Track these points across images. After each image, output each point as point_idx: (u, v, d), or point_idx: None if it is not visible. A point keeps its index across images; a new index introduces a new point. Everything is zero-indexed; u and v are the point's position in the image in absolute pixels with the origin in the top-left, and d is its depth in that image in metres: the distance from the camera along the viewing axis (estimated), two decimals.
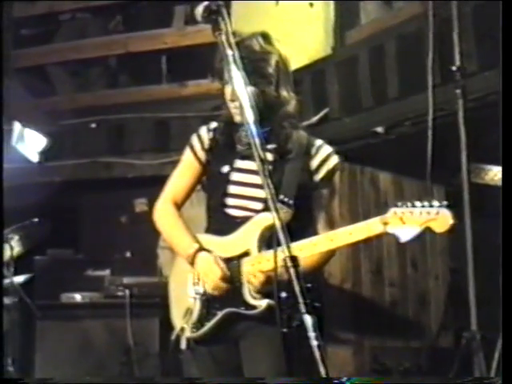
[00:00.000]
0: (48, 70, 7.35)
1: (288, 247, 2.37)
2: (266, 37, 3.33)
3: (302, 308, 2.24)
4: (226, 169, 3.27)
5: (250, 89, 2.55)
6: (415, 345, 5.82)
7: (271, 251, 2.99)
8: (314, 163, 3.25)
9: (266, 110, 3.14)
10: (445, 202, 2.79)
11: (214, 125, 3.36)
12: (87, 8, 7.38)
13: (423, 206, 2.80)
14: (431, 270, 6.11)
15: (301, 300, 2.25)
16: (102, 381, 5.29)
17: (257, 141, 2.45)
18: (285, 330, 2.48)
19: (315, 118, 5.58)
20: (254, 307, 3.12)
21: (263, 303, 3.10)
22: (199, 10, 2.59)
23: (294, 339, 2.47)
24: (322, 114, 5.57)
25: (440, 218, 2.77)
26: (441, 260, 6.14)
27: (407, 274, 5.98)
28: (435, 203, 2.79)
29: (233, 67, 2.50)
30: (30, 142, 6.61)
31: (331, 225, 3.28)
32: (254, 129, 2.48)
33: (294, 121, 3.29)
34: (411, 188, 5.97)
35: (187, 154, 3.39)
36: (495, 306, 3.37)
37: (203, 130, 3.37)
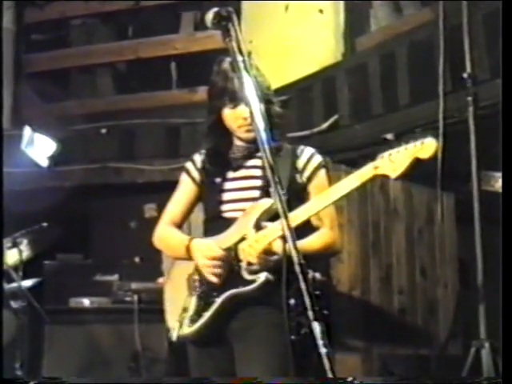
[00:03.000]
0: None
1: (296, 249, 2.37)
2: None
3: (311, 315, 2.25)
4: (218, 180, 3.40)
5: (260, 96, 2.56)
6: (424, 352, 5.80)
7: (267, 228, 3.17)
8: (301, 162, 3.40)
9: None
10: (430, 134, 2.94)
11: (204, 150, 3.51)
12: (98, 14, 7.41)
13: (407, 143, 2.95)
14: (440, 278, 6.09)
15: (309, 307, 2.25)
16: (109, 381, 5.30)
17: (267, 148, 2.46)
18: (293, 337, 2.49)
19: (325, 125, 5.59)
20: (252, 282, 3.19)
21: (261, 276, 3.18)
22: (209, 16, 2.59)
23: (302, 346, 2.48)
24: (331, 120, 5.58)
25: (425, 146, 2.91)
26: (450, 268, 6.11)
27: (416, 281, 5.95)
28: (420, 139, 2.92)
29: (244, 73, 2.51)
30: (39, 147, 6.62)
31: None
32: (264, 135, 2.49)
33: (283, 131, 3.44)
34: (421, 195, 5.95)
35: (183, 177, 3.54)
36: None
37: (195, 155, 3.53)
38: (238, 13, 6.11)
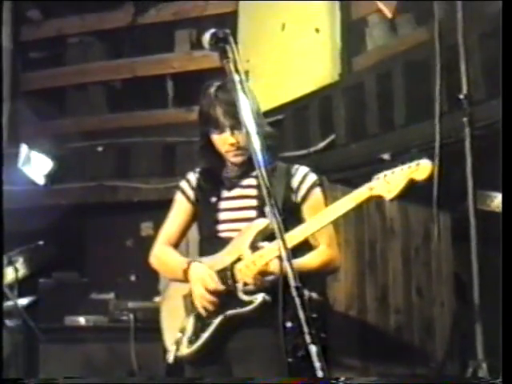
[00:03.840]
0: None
1: (292, 269, 2.37)
2: None
3: (308, 338, 2.24)
4: (214, 199, 3.40)
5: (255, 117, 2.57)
6: (421, 372, 5.78)
7: (263, 249, 3.17)
8: (295, 181, 3.40)
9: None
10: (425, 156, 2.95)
11: (198, 169, 3.53)
12: (94, 31, 7.41)
13: (403, 164, 2.96)
14: (437, 296, 6.08)
15: (306, 330, 2.25)
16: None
17: (263, 170, 2.46)
18: (290, 359, 2.49)
19: (322, 144, 5.59)
20: (249, 303, 3.19)
21: (259, 297, 3.17)
22: (206, 37, 2.61)
23: (298, 368, 2.47)
24: (328, 140, 5.58)
25: (420, 168, 2.92)
26: (446, 287, 6.11)
27: (413, 300, 5.95)
28: (416, 160, 2.94)
29: (241, 95, 2.51)
30: (36, 165, 6.62)
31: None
32: (260, 156, 2.49)
33: (276, 152, 3.43)
34: (417, 214, 5.95)
35: (178, 198, 3.55)
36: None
37: (190, 174, 3.55)
38: (235, 32, 6.13)
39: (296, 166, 3.46)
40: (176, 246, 3.54)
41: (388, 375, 5.62)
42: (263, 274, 3.18)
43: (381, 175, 3.00)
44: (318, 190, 3.43)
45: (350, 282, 5.59)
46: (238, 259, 3.24)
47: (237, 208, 3.37)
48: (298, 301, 2.27)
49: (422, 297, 5.99)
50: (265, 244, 3.20)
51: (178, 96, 7.10)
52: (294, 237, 3.05)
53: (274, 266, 3.08)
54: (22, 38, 7.46)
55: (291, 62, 5.84)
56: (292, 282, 2.30)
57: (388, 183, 2.96)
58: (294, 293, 2.29)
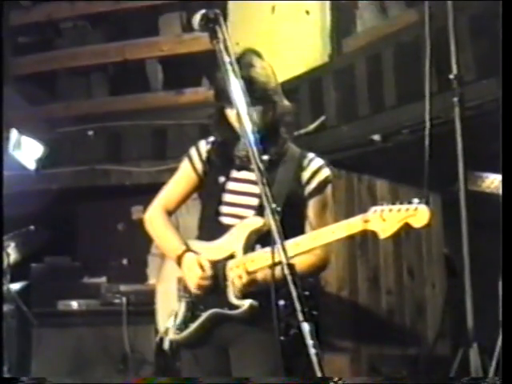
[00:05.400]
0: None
1: (284, 250, 2.38)
2: (256, 52, 3.37)
3: (300, 316, 2.25)
4: (222, 179, 3.34)
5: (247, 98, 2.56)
6: (412, 352, 5.81)
7: (256, 253, 3.15)
8: (306, 175, 3.32)
9: (274, 120, 3.26)
10: (424, 200, 2.89)
11: (211, 138, 3.43)
12: (84, 15, 7.39)
13: (402, 204, 2.91)
14: (428, 277, 6.10)
15: (299, 308, 2.25)
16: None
17: (255, 150, 2.46)
18: (282, 338, 2.50)
19: (312, 126, 5.59)
20: (237, 307, 3.18)
21: (246, 303, 3.16)
22: (196, 18, 2.61)
23: (292, 347, 2.48)
24: (318, 121, 5.58)
25: (418, 214, 2.87)
26: (437, 268, 6.13)
27: (404, 281, 5.97)
28: (415, 200, 2.89)
29: (231, 74, 2.51)
30: (26, 150, 6.59)
31: None
32: (251, 138, 2.49)
33: (290, 129, 3.39)
34: (408, 196, 5.89)
35: (185, 164, 3.46)
36: (492, 314, 3.38)
37: (202, 143, 3.44)
38: (225, 14, 6.11)
39: (309, 157, 3.35)
40: (171, 213, 3.49)
41: (379, 356, 5.66)
42: (252, 279, 3.16)
43: (378, 209, 2.95)
44: (328, 188, 3.35)
45: (342, 264, 5.61)
46: (231, 256, 3.23)
47: (241, 192, 3.32)
48: (289, 278, 2.27)
49: (413, 278, 6.01)
50: (258, 247, 3.18)
51: (169, 79, 7.09)
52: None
53: (264, 274, 3.10)
54: (11, 23, 7.43)
55: (281, 44, 5.83)
56: (284, 259, 2.31)
57: (384, 221, 2.92)
58: (286, 270, 2.30)
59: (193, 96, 6.63)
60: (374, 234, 2.97)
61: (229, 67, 2.51)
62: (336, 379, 3.16)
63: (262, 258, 3.09)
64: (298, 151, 3.36)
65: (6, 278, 5.11)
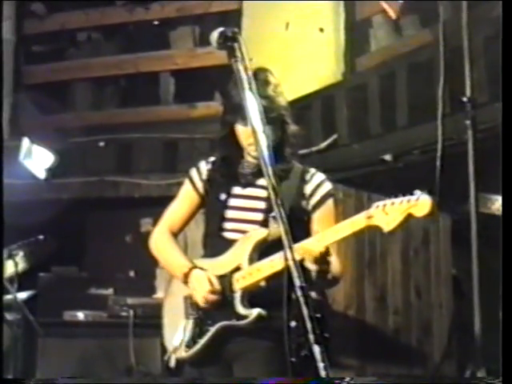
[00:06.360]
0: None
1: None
2: (269, 70, 3.40)
3: (312, 338, 2.24)
4: (223, 196, 3.36)
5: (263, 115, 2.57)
6: (418, 372, 5.79)
7: (261, 262, 3.15)
8: (309, 188, 3.36)
9: (281, 140, 3.30)
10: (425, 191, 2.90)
11: (212, 159, 3.47)
12: (98, 26, 7.42)
13: (404, 196, 2.92)
14: (435, 298, 6.09)
15: (310, 329, 2.25)
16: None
17: (269, 167, 2.46)
18: (293, 359, 2.49)
19: (324, 144, 5.59)
20: (244, 317, 3.18)
21: (254, 312, 3.16)
22: (214, 35, 2.62)
23: (301, 368, 2.48)
24: (330, 139, 5.58)
25: (420, 204, 2.88)
26: (445, 288, 6.12)
27: (411, 301, 5.95)
28: (416, 192, 2.90)
29: (248, 94, 2.51)
30: (37, 159, 6.61)
31: None
32: (266, 153, 2.49)
33: (296, 150, 3.42)
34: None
35: (186, 186, 3.51)
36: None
37: (202, 163, 3.49)
38: (239, 30, 6.12)
39: (312, 172, 3.40)
40: (176, 234, 3.52)
41: (385, 375, 5.63)
42: (259, 288, 3.18)
43: (380, 204, 2.96)
44: (331, 201, 3.38)
45: (349, 282, 5.59)
46: (237, 268, 3.23)
47: (245, 208, 3.34)
48: (302, 300, 2.27)
49: (420, 298, 5.99)
50: (261, 262, 3.18)
51: (181, 93, 7.10)
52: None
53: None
54: (25, 32, 7.46)
55: (294, 61, 5.84)
56: (297, 282, 2.31)
57: (387, 214, 2.93)
58: (299, 292, 2.30)
59: (205, 110, 6.65)
60: (378, 229, 2.98)
61: (246, 85, 2.52)
62: (348, 379, 3.13)
63: (268, 266, 3.11)
64: (300, 167, 3.40)
65: (14, 287, 5.11)
